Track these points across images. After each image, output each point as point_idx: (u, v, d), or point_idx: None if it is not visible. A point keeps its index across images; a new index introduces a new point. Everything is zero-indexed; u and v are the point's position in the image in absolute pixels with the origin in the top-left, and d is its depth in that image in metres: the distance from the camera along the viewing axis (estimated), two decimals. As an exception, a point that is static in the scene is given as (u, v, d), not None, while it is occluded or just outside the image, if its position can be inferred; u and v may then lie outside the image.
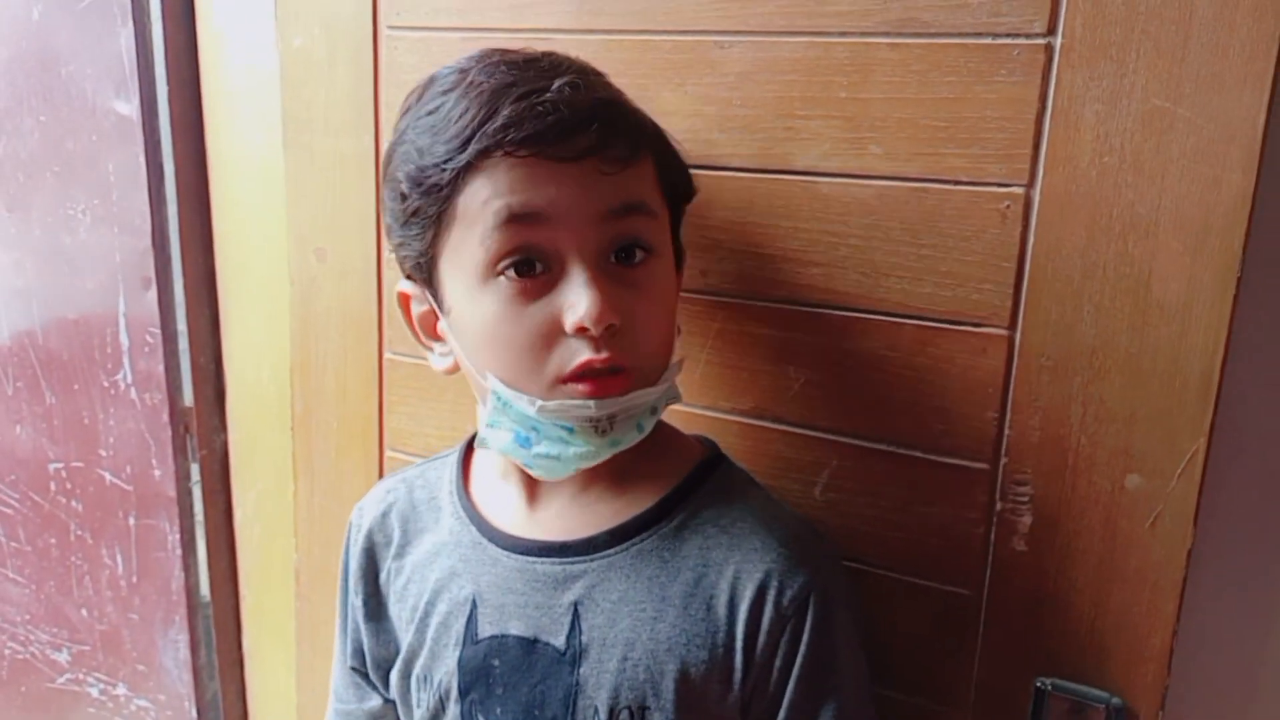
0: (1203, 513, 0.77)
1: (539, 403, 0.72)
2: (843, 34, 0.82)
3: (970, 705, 0.87)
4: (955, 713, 0.88)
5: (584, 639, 0.76)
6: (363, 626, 0.89)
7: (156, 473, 1.34)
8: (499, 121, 0.68)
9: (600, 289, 0.69)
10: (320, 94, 1.09)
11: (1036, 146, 0.77)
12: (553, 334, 0.71)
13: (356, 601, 0.89)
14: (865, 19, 0.81)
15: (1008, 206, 0.78)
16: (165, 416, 1.31)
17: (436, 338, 0.80)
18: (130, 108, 1.23)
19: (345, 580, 0.92)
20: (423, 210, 0.73)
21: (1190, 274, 0.74)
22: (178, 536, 1.34)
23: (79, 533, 1.44)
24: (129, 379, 1.33)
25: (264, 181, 1.20)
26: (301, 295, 1.16)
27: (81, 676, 1.51)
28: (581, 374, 0.71)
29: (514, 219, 0.69)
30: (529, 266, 0.70)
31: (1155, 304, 0.75)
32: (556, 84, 0.69)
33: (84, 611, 1.47)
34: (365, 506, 0.91)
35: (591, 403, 0.71)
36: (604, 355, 0.70)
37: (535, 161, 0.69)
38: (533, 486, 0.82)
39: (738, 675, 0.75)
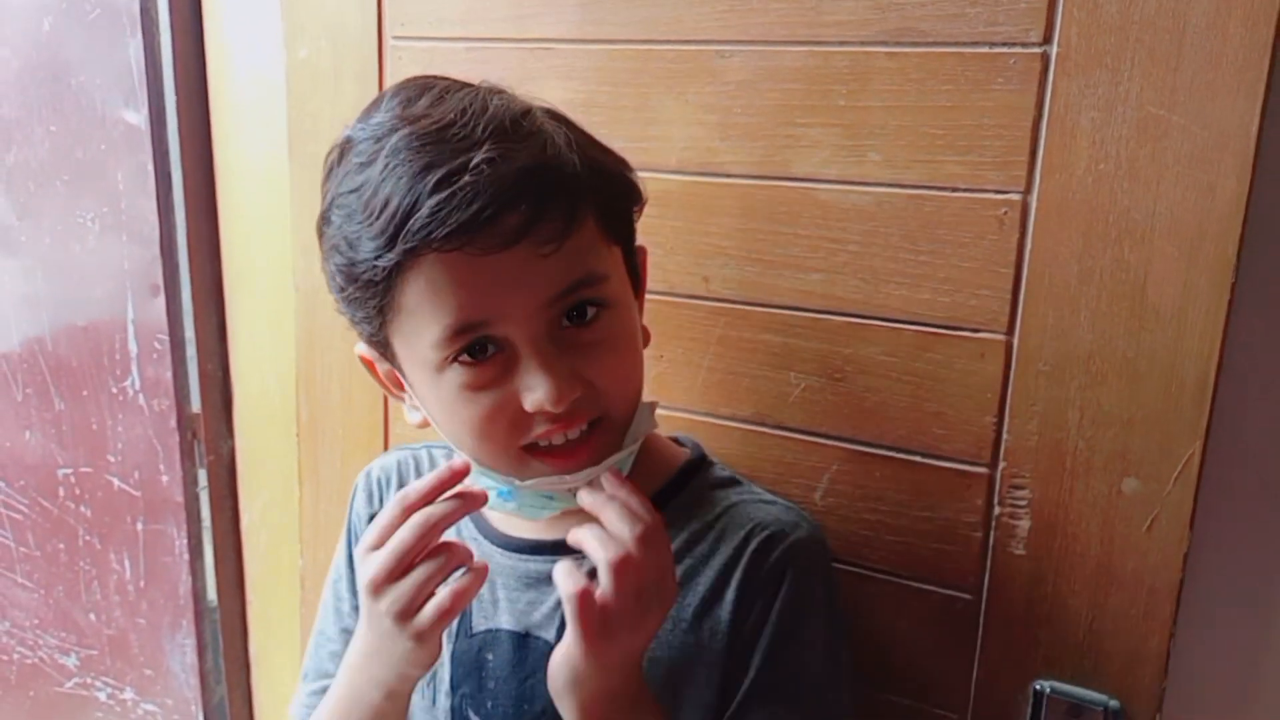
0: (1199, 516, 0.77)
1: (516, 482, 0.74)
2: (842, 43, 0.83)
3: (968, 708, 0.88)
4: (953, 716, 0.88)
5: None
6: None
7: (164, 478, 1.35)
8: (421, 216, 0.63)
9: (554, 371, 0.68)
10: (326, 104, 1.10)
11: (1033, 154, 0.78)
12: (514, 412, 0.70)
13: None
14: (864, 29, 0.82)
15: (1005, 213, 0.79)
16: (173, 423, 1.32)
17: (405, 390, 0.79)
18: (139, 117, 1.25)
19: (350, 537, 0.91)
20: (363, 301, 0.70)
21: (1185, 279, 0.75)
22: (185, 542, 1.35)
23: (87, 538, 1.45)
24: (137, 385, 1.34)
25: (270, 190, 1.21)
26: (306, 303, 1.17)
27: (89, 681, 1.52)
28: (548, 446, 0.72)
29: (460, 331, 0.68)
30: (481, 350, 0.69)
31: (1151, 309, 0.76)
32: (475, 160, 0.64)
33: (92, 616, 1.48)
34: (374, 469, 0.92)
35: (567, 476, 0.72)
36: (566, 424, 0.71)
37: (465, 257, 0.65)
38: None
39: (721, 657, 0.76)
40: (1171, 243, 0.75)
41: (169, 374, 1.31)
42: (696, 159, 0.90)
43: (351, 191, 0.68)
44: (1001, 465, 0.83)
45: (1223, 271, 0.74)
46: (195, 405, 1.33)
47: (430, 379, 0.71)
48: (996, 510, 0.84)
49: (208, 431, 1.33)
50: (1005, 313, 0.81)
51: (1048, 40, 0.76)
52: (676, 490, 0.81)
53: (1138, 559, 0.79)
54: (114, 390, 1.37)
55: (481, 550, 0.83)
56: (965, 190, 0.80)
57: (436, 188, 0.63)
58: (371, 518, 0.88)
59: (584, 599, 0.64)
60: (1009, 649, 0.85)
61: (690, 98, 0.89)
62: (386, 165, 0.66)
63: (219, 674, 1.40)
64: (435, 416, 0.75)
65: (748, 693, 0.76)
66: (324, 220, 0.72)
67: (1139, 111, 0.74)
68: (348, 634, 0.91)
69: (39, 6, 1.28)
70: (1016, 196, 0.79)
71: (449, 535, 0.84)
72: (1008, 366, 0.81)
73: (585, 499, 0.69)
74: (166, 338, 1.30)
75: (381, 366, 0.79)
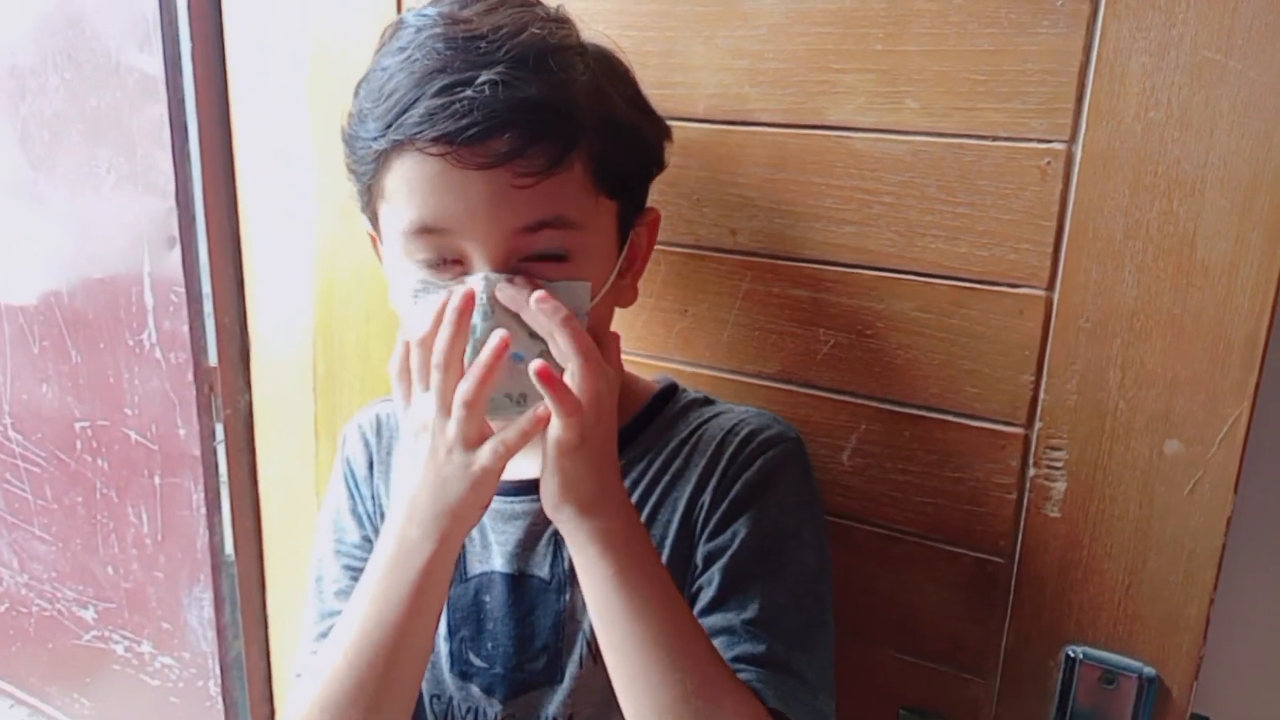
0: (1243, 480, 0.75)
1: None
2: (879, -16, 0.79)
3: (998, 673, 0.86)
4: (983, 681, 0.87)
5: (566, 565, 0.78)
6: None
7: (181, 432, 1.34)
8: (415, 114, 0.67)
9: None
10: (347, 48, 1.07)
11: (1079, 101, 0.74)
12: None
13: (370, 506, 0.89)
14: (903, -32, 0.78)
15: (1048, 163, 0.76)
16: (190, 376, 1.31)
17: None
18: (154, 64, 1.22)
19: (347, 488, 0.90)
20: (359, 174, 0.75)
21: (1237, 233, 0.72)
22: (202, 495, 1.35)
23: (105, 491, 1.44)
24: (154, 338, 1.33)
25: (289, 139, 1.19)
26: (325, 255, 1.15)
27: (107, 634, 1.52)
28: None
29: (423, 231, 0.70)
30: (440, 261, 0.71)
31: (1200, 265, 0.73)
32: (483, 78, 0.66)
33: (110, 569, 1.48)
34: (361, 420, 0.92)
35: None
36: None
37: (446, 165, 0.67)
38: None
39: (700, 553, 0.77)
40: (1224, 195, 0.71)
41: (185, 327, 1.30)
42: (725, 106, 0.87)
43: (380, 70, 0.72)
44: (1038, 425, 0.80)
45: (1277, 225, 0.70)
46: (212, 358, 1.31)
47: (397, 262, 0.74)
48: (1031, 471, 0.81)
49: (225, 385, 1.32)
50: (1046, 267, 0.78)
51: (1098, -20, 0.72)
52: (649, 419, 0.83)
53: (1178, 523, 0.77)
54: (130, 343, 1.35)
55: None
56: (1006, 139, 0.77)
57: (438, 93, 0.66)
58: (370, 467, 0.89)
59: (545, 371, 0.64)
60: (1041, 614, 0.83)
61: (719, 42, 0.86)
62: (410, 57, 0.69)
63: (236, 628, 1.40)
64: (395, 303, 0.77)
65: (731, 557, 0.76)
66: (356, 90, 0.75)
67: (1193, 56, 0.71)
68: (352, 571, 0.90)
69: (52, -50, 1.26)
70: (1061, 146, 0.76)
71: None
72: (1047, 323, 0.78)
73: (501, 294, 0.68)
74: (183, 290, 1.28)
75: (381, 248, 0.81)
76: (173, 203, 1.26)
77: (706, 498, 0.78)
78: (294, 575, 1.37)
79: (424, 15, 0.72)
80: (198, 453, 1.33)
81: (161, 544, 1.41)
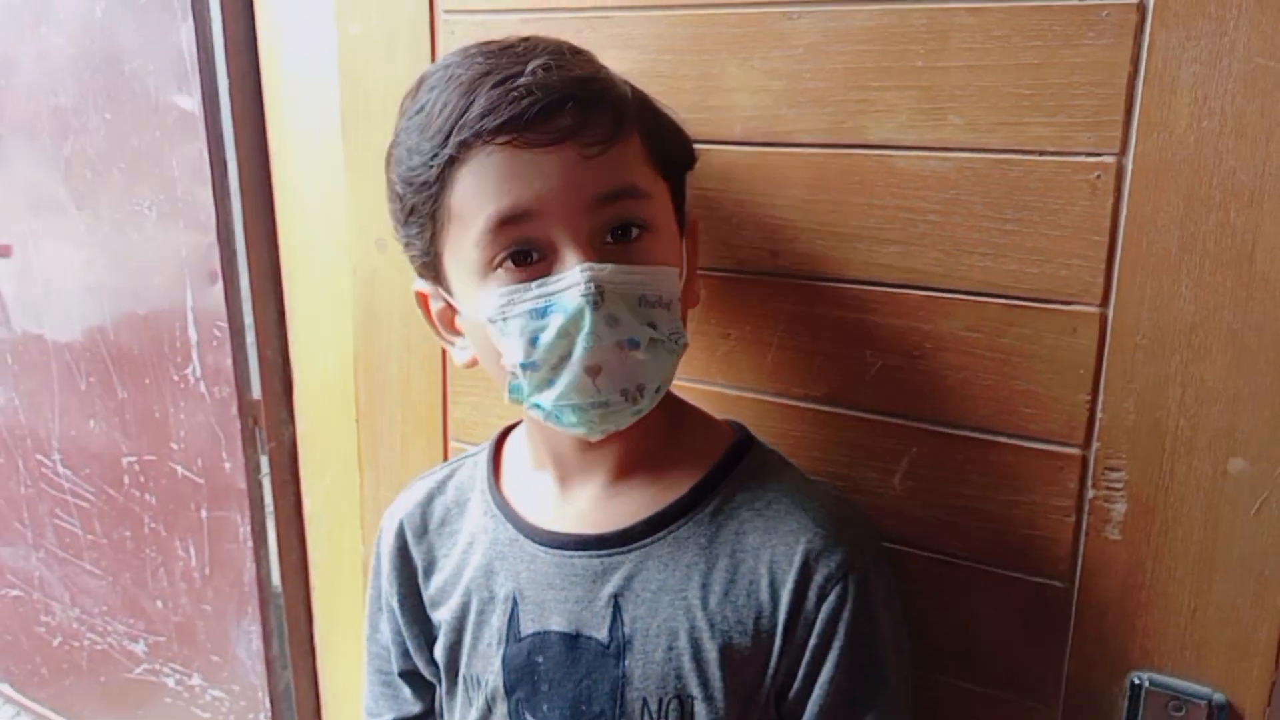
0: (1314, 498, 0.72)
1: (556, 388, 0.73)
2: None
3: (1061, 701, 0.83)
4: (1045, 709, 0.84)
5: (627, 631, 0.76)
6: (404, 629, 0.89)
7: (227, 465, 1.34)
8: (475, 111, 0.68)
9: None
10: (379, 82, 1.08)
11: (1129, 112, 0.73)
12: None
13: (394, 603, 0.89)
14: (942, -17, 0.77)
15: (1098, 177, 0.74)
16: (234, 410, 1.32)
17: (456, 332, 0.80)
18: (192, 103, 1.24)
19: (378, 585, 0.91)
20: (418, 209, 0.73)
21: (1299, 244, 0.69)
22: (249, 528, 1.35)
23: (152, 525, 1.46)
24: (198, 373, 1.34)
25: (325, 172, 1.19)
26: (363, 286, 1.15)
27: (158, 667, 1.53)
28: None
29: (505, 222, 0.69)
30: (525, 256, 0.70)
31: (1260, 277, 0.71)
32: (530, 66, 0.68)
33: (159, 603, 1.49)
34: (395, 510, 0.91)
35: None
36: None
37: (515, 151, 0.68)
38: (566, 474, 0.82)
39: (774, 659, 0.75)
40: (1283, 205, 0.69)
41: (229, 361, 1.31)
42: (763, 128, 0.86)
43: (418, 111, 0.72)
44: (1095, 446, 0.78)
45: (1341, 235, 0.68)
46: (256, 392, 1.32)
47: (475, 290, 0.72)
48: (1090, 493, 0.79)
49: (269, 417, 1.32)
50: (1099, 283, 0.76)
51: (1144, -11, 0.71)
52: (730, 468, 0.80)
53: (1245, 544, 0.74)
54: (175, 378, 1.36)
55: (524, 551, 0.81)
56: (1054, 154, 0.75)
57: (493, 87, 0.68)
58: (400, 556, 0.88)
59: None
60: (1104, 639, 0.81)
61: (756, 63, 0.85)
62: (451, 76, 0.71)
63: (285, 660, 1.41)
64: (479, 341, 0.75)
65: (830, 701, 0.74)
66: (391, 146, 0.76)
67: (1246, 64, 0.69)
68: (382, 675, 0.93)
69: (91, -8, 1.28)
70: (1110, 159, 0.74)
71: (486, 540, 0.83)
72: (1102, 340, 0.76)
73: (606, 275, 0.69)
74: (226, 325, 1.29)
75: (436, 304, 0.81)
76: (214, 238, 1.27)
77: (785, 598, 0.73)
78: (340, 606, 1.37)
79: (445, 59, 0.74)
80: (243, 486, 1.34)
81: (210, 577, 1.42)
